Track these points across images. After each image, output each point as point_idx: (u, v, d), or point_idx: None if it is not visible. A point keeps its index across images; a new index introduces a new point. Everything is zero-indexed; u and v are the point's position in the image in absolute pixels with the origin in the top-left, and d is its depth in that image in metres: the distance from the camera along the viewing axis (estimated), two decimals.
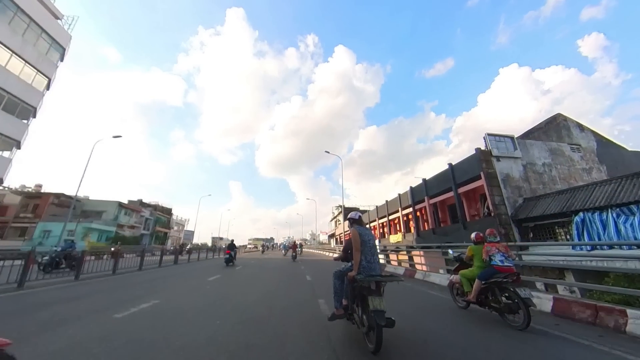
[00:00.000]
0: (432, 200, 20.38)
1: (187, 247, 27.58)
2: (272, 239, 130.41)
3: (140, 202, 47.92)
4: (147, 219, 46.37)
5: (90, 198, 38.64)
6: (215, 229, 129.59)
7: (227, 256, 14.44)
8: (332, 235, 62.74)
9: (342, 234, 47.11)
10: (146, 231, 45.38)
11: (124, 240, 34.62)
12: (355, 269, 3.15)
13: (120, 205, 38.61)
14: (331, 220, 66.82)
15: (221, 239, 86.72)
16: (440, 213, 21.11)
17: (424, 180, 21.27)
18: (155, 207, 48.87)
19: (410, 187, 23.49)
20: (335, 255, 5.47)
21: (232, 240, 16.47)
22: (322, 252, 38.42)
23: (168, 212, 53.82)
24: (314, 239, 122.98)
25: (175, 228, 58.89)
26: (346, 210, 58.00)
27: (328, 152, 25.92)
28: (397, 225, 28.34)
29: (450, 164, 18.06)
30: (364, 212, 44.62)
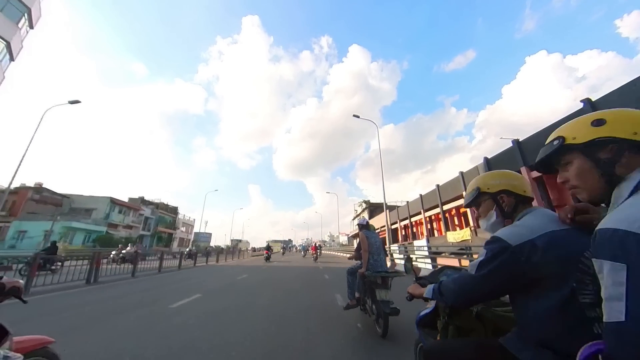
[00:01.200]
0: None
1: (125, 250, 17.63)
2: (290, 240, 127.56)
3: (142, 200, 43.14)
4: (148, 218, 41.36)
5: (82, 194, 33.96)
6: (237, 232, 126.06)
7: (267, 255, 20.35)
8: (355, 236, 55.18)
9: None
10: (147, 232, 40.34)
11: (111, 242, 29.29)
12: (364, 267, 3.75)
13: (113, 201, 33.55)
14: (354, 219, 59.23)
15: (240, 241, 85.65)
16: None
17: (516, 142, 13.40)
18: (157, 205, 43.84)
19: (486, 159, 15.71)
20: (348, 255, 5.82)
21: (268, 243, 22.05)
22: (344, 254, 32.00)
23: (173, 211, 48.80)
24: (333, 241, 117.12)
25: (183, 229, 53.94)
26: (372, 206, 50.43)
27: (358, 117, 18.86)
28: (459, 217, 20.55)
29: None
30: (393, 207, 37.18)
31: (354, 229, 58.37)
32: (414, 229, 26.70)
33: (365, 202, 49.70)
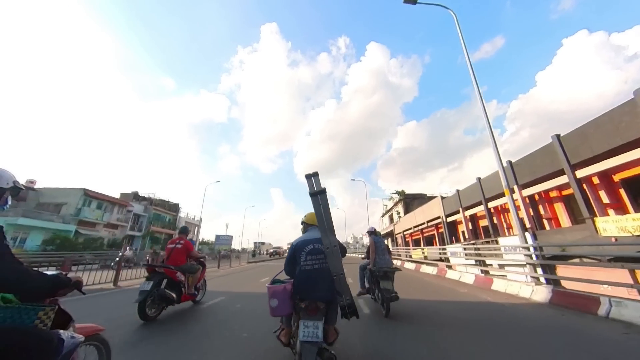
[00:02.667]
0: None
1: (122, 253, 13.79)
2: None
3: (135, 195, 37.18)
4: (140, 215, 35.09)
5: (53, 187, 28.16)
6: (260, 235, 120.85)
7: None
8: (387, 235, 45.59)
9: (413, 230, 30.19)
10: (137, 232, 34.04)
11: (73, 245, 22.72)
12: (371, 264, 5.15)
13: (87, 193, 27.27)
14: (383, 215, 49.73)
15: (262, 243, 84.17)
16: None
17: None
18: (151, 201, 37.54)
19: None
20: (362, 256, 7.09)
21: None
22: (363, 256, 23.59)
23: (173, 208, 42.51)
24: (357, 242, 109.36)
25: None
26: (408, 197, 40.88)
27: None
28: (614, 189, 10.94)
29: None
30: (439, 197, 28.00)
31: (386, 226, 48.99)
32: (496, 220, 17.20)
33: (398, 192, 40.19)
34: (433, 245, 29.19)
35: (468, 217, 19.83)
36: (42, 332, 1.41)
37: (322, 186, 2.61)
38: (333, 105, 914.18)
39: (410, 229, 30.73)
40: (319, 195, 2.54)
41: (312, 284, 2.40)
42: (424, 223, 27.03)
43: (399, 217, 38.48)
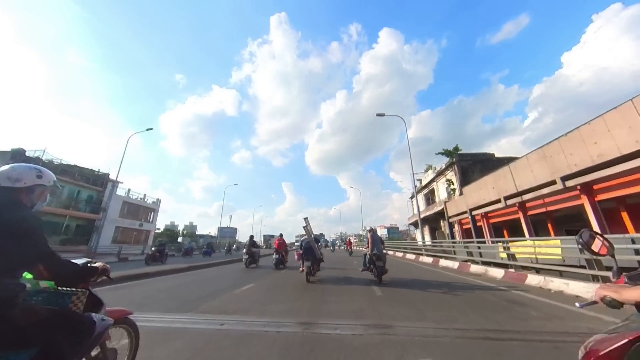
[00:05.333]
0: None
1: None
2: (322, 234, 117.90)
3: (14, 154, 22.82)
4: None
5: None
6: (254, 225, 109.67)
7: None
8: (424, 221, 30.52)
9: (505, 204, 14.60)
10: None
11: None
12: (369, 251, 8.64)
13: None
14: (413, 196, 34.80)
15: (272, 236, 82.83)
16: None
17: None
18: (40, 165, 23.20)
19: None
20: (365, 246, 10.96)
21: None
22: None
23: (95, 180, 27.82)
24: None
25: (145, 220, 33.21)
26: (464, 160, 26.05)
27: None
28: None
29: None
30: (513, 158, 13.36)
31: (414, 213, 34.32)
32: None
33: (447, 152, 24.96)
34: (548, 233, 14.45)
35: None
36: (75, 314, 1.58)
37: (309, 222, 10.33)
38: (344, 96, 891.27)
39: (493, 202, 15.66)
40: (304, 227, 10.23)
41: (307, 251, 8.92)
42: (545, 185, 11.82)
43: (452, 190, 23.35)
